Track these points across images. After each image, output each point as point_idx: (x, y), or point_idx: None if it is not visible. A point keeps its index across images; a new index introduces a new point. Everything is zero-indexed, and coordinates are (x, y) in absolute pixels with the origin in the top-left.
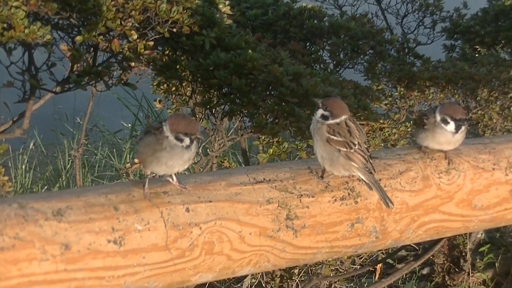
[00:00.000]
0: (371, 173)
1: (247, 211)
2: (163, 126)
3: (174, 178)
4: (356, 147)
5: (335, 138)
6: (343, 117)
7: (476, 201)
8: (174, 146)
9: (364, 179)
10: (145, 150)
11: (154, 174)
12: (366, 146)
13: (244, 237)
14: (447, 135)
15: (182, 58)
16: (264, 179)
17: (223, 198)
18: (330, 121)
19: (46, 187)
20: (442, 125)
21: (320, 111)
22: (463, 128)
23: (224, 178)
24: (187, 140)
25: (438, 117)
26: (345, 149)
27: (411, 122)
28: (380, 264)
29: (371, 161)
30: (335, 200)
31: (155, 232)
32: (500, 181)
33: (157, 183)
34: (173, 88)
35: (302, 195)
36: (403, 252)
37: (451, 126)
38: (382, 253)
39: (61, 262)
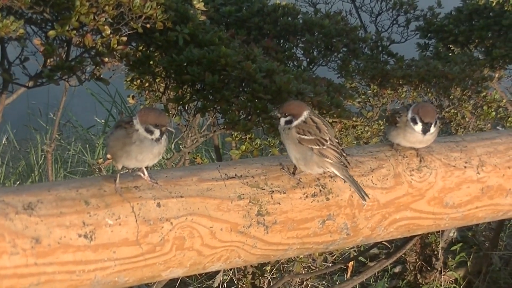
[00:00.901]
0: (346, 167)
1: (218, 207)
2: (133, 120)
3: (146, 173)
4: (328, 143)
5: (306, 137)
6: (305, 113)
7: (448, 199)
8: (143, 140)
9: (339, 174)
10: (115, 144)
11: (125, 169)
12: (337, 141)
13: (215, 232)
14: (417, 135)
15: (156, 54)
16: (235, 175)
17: (194, 194)
18: (296, 122)
19: (18, 182)
20: (412, 124)
21: (282, 120)
22: (431, 130)
23: (196, 173)
24: (157, 132)
25: (409, 116)
26: (317, 147)
27: (384, 120)
28: (352, 262)
29: (344, 155)
30: (307, 196)
31: (126, 226)
32: (471, 179)
33: (128, 177)
34: (147, 84)
35: (273, 191)
36: (375, 250)
37: (419, 127)
38: (354, 250)
39: (32, 256)
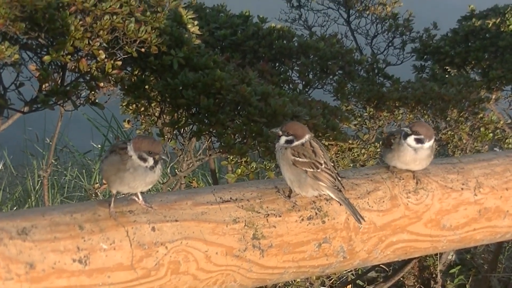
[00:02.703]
0: (340, 190)
1: (214, 231)
2: (127, 146)
3: (140, 197)
4: (323, 166)
5: (300, 159)
6: (307, 136)
7: (445, 221)
8: (137, 167)
9: (334, 197)
10: (109, 168)
11: (120, 194)
12: (332, 165)
13: (210, 256)
14: (410, 153)
15: (151, 78)
16: (230, 198)
17: (189, 217)
18: (296, 143)
19: (15, 208)
20: (403, 139)
21: (283, 138)
22: (424, 144)
23: (190, 197)
24: (150, 160)
25: (402, 133)
26: (311, 170)
27: (380, 142)
28: (350, 286)
29: (339, 178)
30: (302, 219)
31: (121, 251)
32: (468, 201)
33: (123, 202)
34: (142, 109)
35: (269, 215)
36: (373, 273)
37: (410, 139)
38: (352, 274)
39: (26, 281)
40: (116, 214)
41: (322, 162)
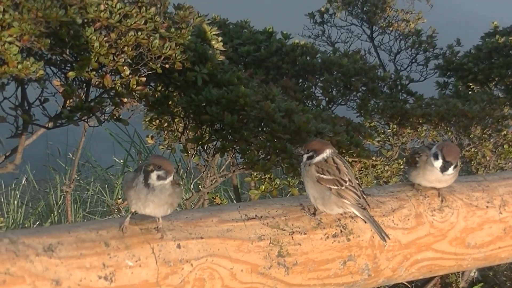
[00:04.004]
0: (364, 208)
1: (239, 248)
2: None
3: (160, 219)
4: (347, 183)
5: (325, 176)
6: (328, 151)
7: (470, 239)
8: (140, 185)
9: (359, 214)
10: (124, 185)
11: (136, 212)
12: (357, 182)
13: (236, 274)
14: (436, 173)
15: (174, 94)
16: (256, 215)
17: (214, 235)
18: (317, 159)
19: (38, 223)
20: (432, 159)
21: (305, 156)
22: (449, 171)
23: (216, 214)
24: (153, 176)
25: (432, 151)
26: (336, 187)
27: (404, 159)
28: None
29: (364, 196)
30: (327, 237)
31: (146, 268)
32: (494, 219)
33: (148, 219)
34: (165, 124)
35: (294, 232)
36: None
37: (438, 163)
38: None
39: None
40: (126, 229)
41: (347, 179)
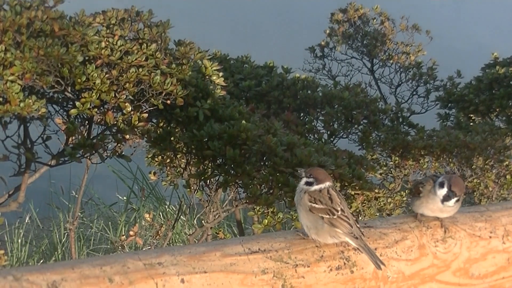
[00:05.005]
0: (357, 238)
1: (242, 282)
2: None
3: None
4: (339, 213)
5: (316, 206)
6: (327, 183)
7: (473, 269)
8: None
9: (353, 243)
10: None
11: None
12: (350, 212)
13: None
14: (437, 202)
15: (176, 129)
16: (259, 249)
17: (218, 269)
18: (315, 187)
19: (42, 261)
20: (437, 187)
21: (304, 179)
22: (451, 202)
23: (219, 248)
24: None
25: (439, 180)
26: (328, 216)
27: (407, 191)
28: None
29: (357, 225)
30: (331, 269)
31: None
32: (497, 249)
33: (151, 253)
34: (168, 160)
35: (297, 265)
36: None
37: (443, 191)
38: None
39: None
40: None
41: (339, 209)
